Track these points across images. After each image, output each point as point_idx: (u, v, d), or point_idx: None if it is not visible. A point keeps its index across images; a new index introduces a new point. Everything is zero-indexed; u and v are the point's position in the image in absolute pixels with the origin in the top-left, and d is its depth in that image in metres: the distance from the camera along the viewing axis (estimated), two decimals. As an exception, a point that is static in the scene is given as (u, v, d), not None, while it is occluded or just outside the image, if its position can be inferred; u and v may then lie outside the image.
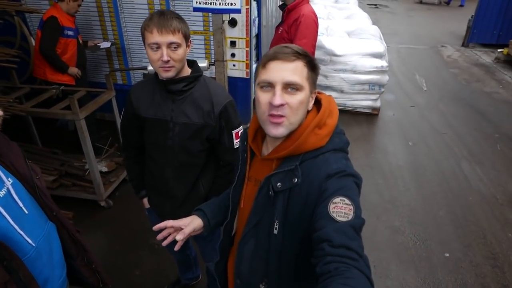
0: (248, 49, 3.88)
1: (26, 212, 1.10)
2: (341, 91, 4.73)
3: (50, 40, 3.30)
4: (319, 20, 5.51)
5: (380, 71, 4.56)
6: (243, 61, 3.95)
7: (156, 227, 1.19)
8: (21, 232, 1.06)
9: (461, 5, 13.48)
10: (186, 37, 1.43)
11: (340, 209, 0.87)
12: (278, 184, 0.99)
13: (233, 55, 3.92)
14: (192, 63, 1.57)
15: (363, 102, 4.79)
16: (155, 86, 1.55)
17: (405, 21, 11.30)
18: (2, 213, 1.02)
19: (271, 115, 0.95)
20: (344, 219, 0.85)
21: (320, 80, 4.75)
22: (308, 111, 1.02)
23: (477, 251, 2.79)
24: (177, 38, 1.38)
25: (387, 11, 13.04)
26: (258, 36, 4.25)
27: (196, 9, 2.66)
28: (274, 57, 0.95)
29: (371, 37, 4.78)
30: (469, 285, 2.50)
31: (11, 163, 1.12)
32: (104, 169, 3.29)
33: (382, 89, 4.72)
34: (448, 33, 9.51)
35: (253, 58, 4.06)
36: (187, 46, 1.47)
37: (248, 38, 3.83)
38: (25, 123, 3.45)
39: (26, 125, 3.47)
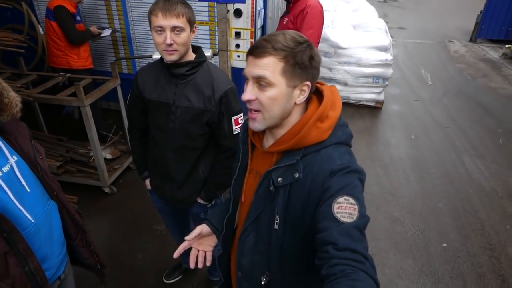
0: (253, 40, 3.89)
1: (28, 190, 1.14)
2: (345, 84, 4.74)
3: (73, 31, 3.39)
4: (325, 13, 5.55)
5: (384, 64, 4.55)
6: (248, 52, 3.97)
7: (178, 251, 1.18)
8: (21, 208, 1.10)
9: None
10: (191, 22, 1.46)
11: (345, 209, 0.85)
12: (279, 179, 0.96)
13: (237, 45, 3.94)
14: (197, 49, 1.60)
15: (367, 95, 4.80)
16: (160, 69, 1.59)
17: (414, 16, 11.21)
18: (3, 188, 1.06)
19: (249, 110, 0.97)
20: (348, 220, 0.83)
21: (324, 72, 4.76)
22: (296, 104, 0.97)
23: (475, 242, 2.81)
24: (180, 22, 1.41)
25: (395, 6, 12.94)
26: (263, 27, 4.26)
27: (201, -1, 2.70)
28: (250, 51, 0.94)
29: (377, 30, 4.76)
30: (465, 274, 2.54)
31: (17, 141, 1.16)
32: (109, 156, 3.35)
33: (386, 83, 4.72)
34: (456, 28, 9.41)
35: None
36: (192, 31, 1.50)
37: (253, 29, 3.84)
38: (31, 110, 3.50)
39: (33, 112, 3.51)
